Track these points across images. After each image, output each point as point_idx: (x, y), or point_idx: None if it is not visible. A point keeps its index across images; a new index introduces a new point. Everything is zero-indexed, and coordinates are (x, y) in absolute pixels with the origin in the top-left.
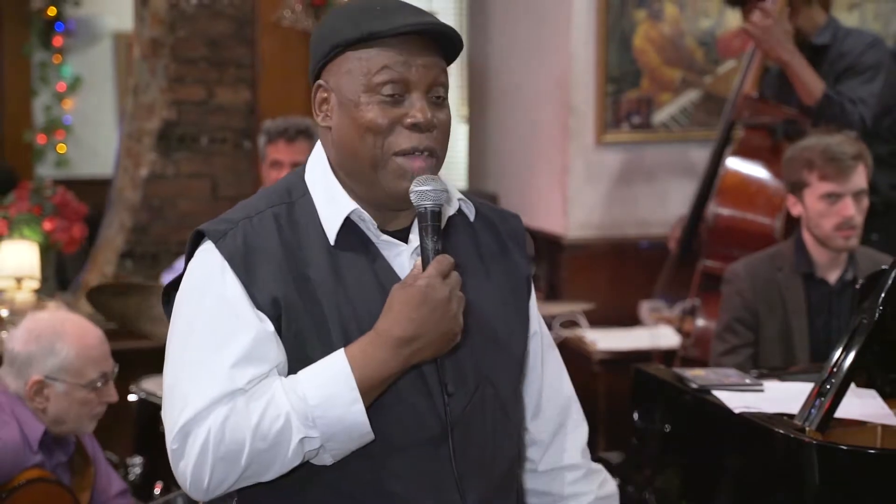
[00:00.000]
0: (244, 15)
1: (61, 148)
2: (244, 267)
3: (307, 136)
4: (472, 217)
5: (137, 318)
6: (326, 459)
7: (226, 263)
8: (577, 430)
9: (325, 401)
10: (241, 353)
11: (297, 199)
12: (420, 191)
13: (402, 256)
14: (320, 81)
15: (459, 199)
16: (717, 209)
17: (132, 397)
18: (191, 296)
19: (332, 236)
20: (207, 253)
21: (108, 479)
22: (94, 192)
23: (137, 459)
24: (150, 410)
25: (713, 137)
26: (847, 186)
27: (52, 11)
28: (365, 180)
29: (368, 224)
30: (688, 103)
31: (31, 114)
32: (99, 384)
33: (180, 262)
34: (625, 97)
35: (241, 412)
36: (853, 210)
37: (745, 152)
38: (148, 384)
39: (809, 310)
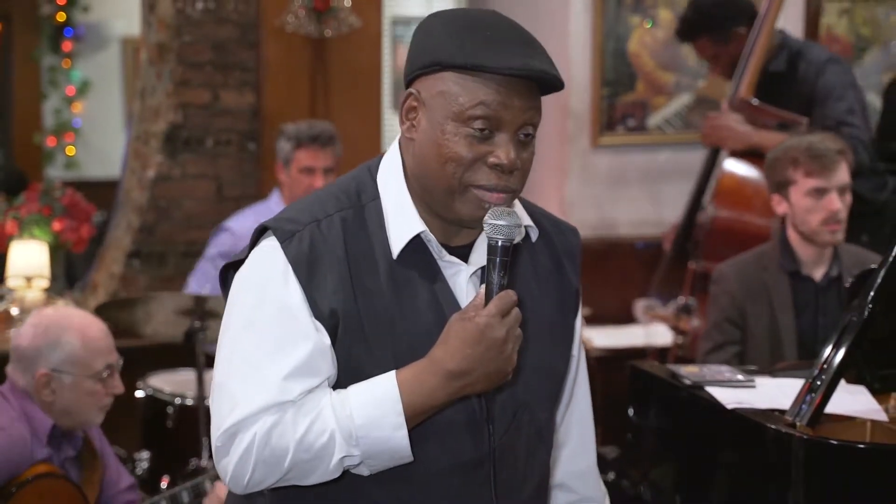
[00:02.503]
0: (249, 20)
1: (70, 150)
2: (308, 274)
3: (334, 143)
4: (534, 238)
5: (146, 323)
6: (363, 471)
7: (289, 267)
8: (586, 456)
9: (371, 422)
10: (296, 365)
11: (366, 202)
12: (494, 224)
13: (461, 276)
14: (412, 90)
15: (527, 226)
16: (714, 211)
17: (139, 393)
18: (250, 293)
19: (396, 251)
20: (273, 251)
21: (118, 473)
22: (102, 193)
23: (144, 454)
24: (157, 406)
25: None
26: (832, 181)
27: (61, 17)
28: (439, 201)
29: (433, 245)
30: (681, 107)
31: (40, 117)
32: (104, 375)
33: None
34: (620, 101)
35: (288, 422)
36: (839, 204)
37: (742, 155)
38: (154, 381)
39: (796, 307)
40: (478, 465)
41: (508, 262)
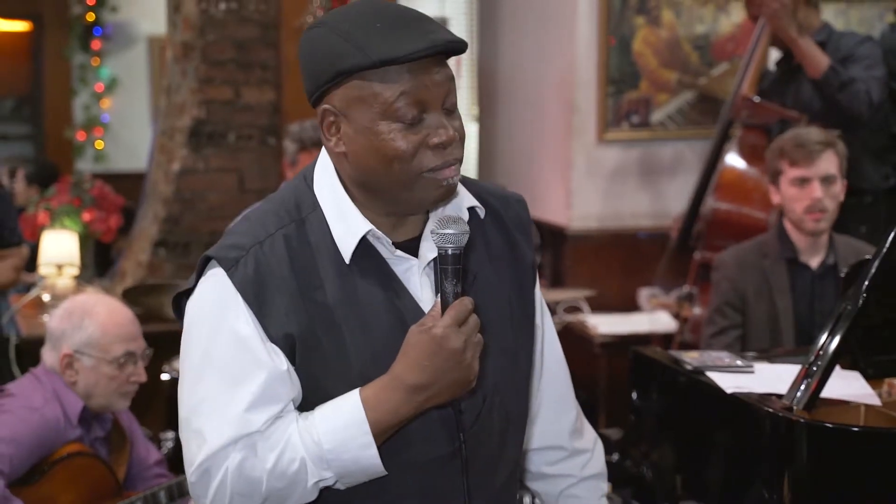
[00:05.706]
0: (269, 20)
1: (99, 144)
2: (257, 299)
3: None
4: (482, 216)
5: (171, 308)
6: (339, 487)
7: (238, 296)
8: (566, 414)
9: (339, 445)
10: (255, 396)
11: (307, 214)
12: (442, 234)
13: (413, 272)
14: (327, 107)
15: (474, 207)
16: (714, 203)
17: (165, 376)
18: (203, 326)
19: (347, 256)
20: (219, 281)
21: (146, 450)
22: (129, 185)
23: (170, 434)
24: None
25: (707, 136)
26: (814, 170)
27: (90, 17)
28: (395, 198)
29: (383, 241)
30: (683, 103)
31: (71, 112)
32: (123, 360)
33: None
34: (625, 97)
35: (258, 456)
36: (821, 193)
37: (743, 150)
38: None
39: (794, 294)
40: (449, 458)
41: (461, 269)
